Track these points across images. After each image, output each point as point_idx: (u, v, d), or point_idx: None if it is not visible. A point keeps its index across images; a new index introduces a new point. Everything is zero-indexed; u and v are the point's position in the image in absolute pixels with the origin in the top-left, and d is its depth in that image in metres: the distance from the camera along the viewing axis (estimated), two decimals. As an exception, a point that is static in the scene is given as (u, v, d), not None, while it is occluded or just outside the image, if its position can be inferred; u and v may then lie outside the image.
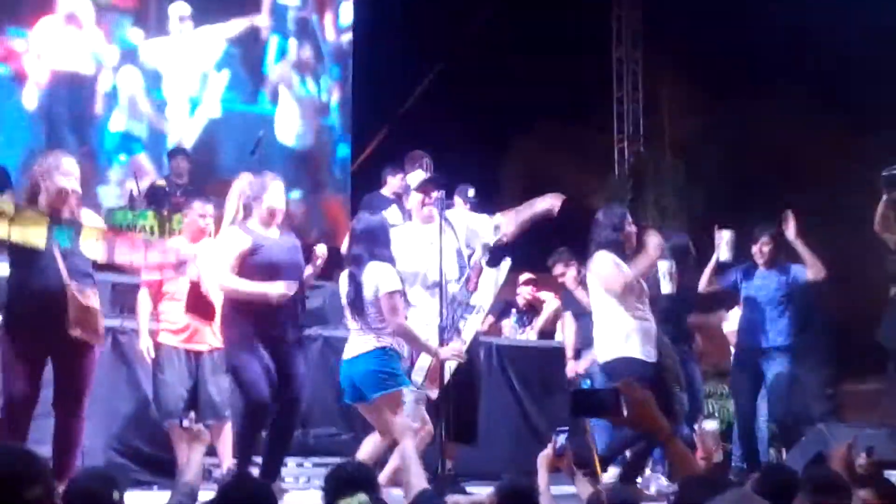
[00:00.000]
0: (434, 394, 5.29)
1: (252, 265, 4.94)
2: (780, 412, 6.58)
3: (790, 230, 6.42)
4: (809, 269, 6.45)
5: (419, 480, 4.14)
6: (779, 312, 6.59)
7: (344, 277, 5.26)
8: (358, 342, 5.13)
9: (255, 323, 4.90)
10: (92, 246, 4.66)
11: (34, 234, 4.51)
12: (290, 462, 5.77)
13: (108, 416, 5.84)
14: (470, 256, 5.65)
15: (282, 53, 10.22)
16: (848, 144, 8.33)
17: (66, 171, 4.72)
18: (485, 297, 5.55)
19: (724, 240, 6.54)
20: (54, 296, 4.55)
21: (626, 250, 5.65)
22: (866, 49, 8.65)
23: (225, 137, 9.66)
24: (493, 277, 5.65)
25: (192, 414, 5.13)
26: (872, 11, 8.39)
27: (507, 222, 5.70)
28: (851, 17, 8.45)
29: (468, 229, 5.75)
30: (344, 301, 5.28)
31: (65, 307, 4.55)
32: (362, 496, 3.22)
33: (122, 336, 6.09)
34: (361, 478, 3.75)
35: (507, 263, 5.80)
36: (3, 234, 4.52)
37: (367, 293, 5.10)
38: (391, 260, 5.20)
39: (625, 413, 2.65)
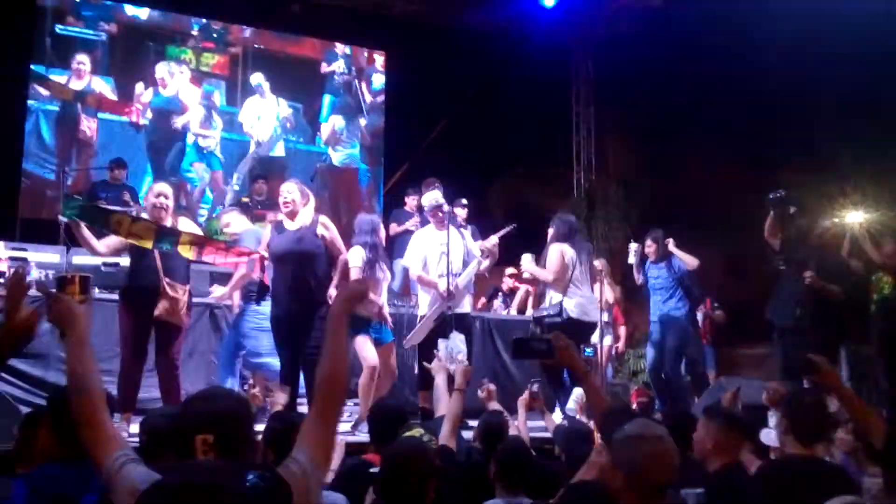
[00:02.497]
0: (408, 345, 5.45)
1: None
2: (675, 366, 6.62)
3: (670, 245, 6.59)
4: (686, 263, 6.53)
5: (444, 409, 3.93)
6: (670, 294, 6.59)
7: (358, 252, 5.39)
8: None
9: None
10: (187, 249, 4.65)
11: (144, 240, 4.54)
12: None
13: (206, 367, 5.89)
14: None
15: (332, 108, 10.24)
16: (746, 175, 8.30)
17: (157, 193, 4.75)
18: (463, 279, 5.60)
19: (632, 250, 6.74)
20: (154, 288, 4.59)
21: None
22: (766, 100, 8.61)
23: (292, 167, 9.67)
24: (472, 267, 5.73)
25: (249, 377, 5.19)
26: (773, 73, 8.40)
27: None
28: (752, 74, 8.43)
29: (470, 242, 5.81)
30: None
31: (157, 297, 4.59)
32: (417, 429, 3.19)
33: (217, 310, 6.13)
34: (396, 409, 3.68)
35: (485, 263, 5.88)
36: (123, 238, 4.55)
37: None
38: (365, 245, 5.28)
39: (553, 356, 2.73)
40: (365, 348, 5.18)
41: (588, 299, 5.88)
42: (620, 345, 8.29)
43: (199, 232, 5.05)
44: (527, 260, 5.75)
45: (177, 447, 1.64)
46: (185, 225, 4.86)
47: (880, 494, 2.11)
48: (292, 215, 5.04)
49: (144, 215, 4.82)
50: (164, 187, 4.82)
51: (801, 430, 2.83)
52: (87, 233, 4.60)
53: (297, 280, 4.85)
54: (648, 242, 6.68)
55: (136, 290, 4.66)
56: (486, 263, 5.85)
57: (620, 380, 8.25)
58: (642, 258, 6.73)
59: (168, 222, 4.72)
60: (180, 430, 1.64)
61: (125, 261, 4.98)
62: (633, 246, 6.77)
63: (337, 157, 10.16)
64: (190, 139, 9.35)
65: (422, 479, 2.42)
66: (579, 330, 5.58)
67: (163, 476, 1.40)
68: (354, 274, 5.13)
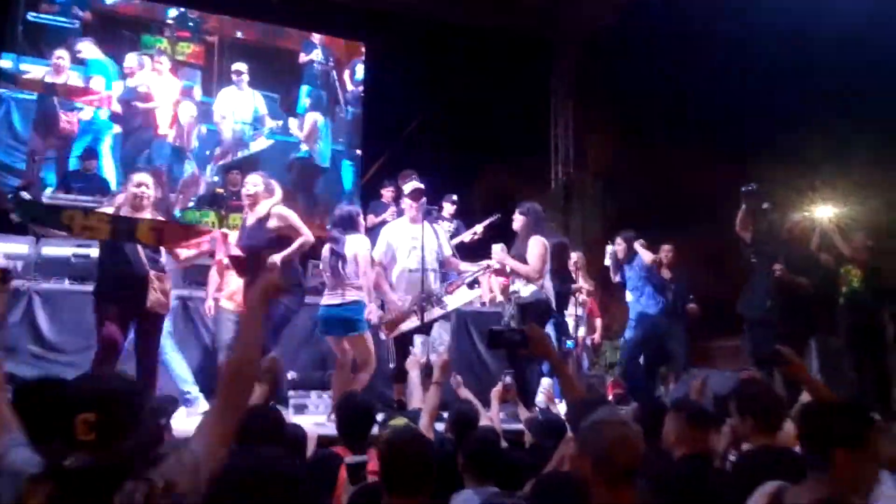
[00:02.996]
0: (383, 336, 5.38)
1: None
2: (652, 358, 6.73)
3: (636, 244, 6.74)
4: (643, 258, 6.69)
5: (418, 403, 4.07)
6: (640, 292, 6.71)
7: (326, 250, 5.34)
8: (335, 295, 5.21)
9: None
10: (146, 236, 4.55)
11: (98, 232, 4.45)
12: (313, 395, 5.75)
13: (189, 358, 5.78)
14: (447, 260, 5.69)
15: (309, 98, 10.18)
16: (723, 169, 8.34)
17: (137, 183, 4.69)
18: (455, 302, 5.56)
19: (607, 252, 6.88)
20: (140, 280, 4.54)
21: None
22: (741, 94, 8.67)
23: (268, 157, 9.61)
24: (468, 296, 5.69)
25: None
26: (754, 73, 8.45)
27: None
28: (730, 68, 8.46)
29: (443, 239, 5.78)
30: (324, 266, 5.37)
31: (146, 288, 4.55)
32: (402, 419, 3.19)
33: (190, 302, 6.08)
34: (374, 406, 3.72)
35: (477, 292, 5.85)
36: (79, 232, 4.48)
37: (349, 256, 5.18)
38: (333, 238, 5.30)
39: (527, 346, 2.75)
40: (371, 344, 5.26)
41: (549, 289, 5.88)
42: (596, 336, 8.34)
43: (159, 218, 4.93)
44: (498, 250, 5.69)
45: (59, 427, 1.61)
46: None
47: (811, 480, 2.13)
48: (252, 207, 5.04)
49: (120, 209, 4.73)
50: (144, 177, 4.76)
51: (762, 420, 2.86)
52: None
53: (253, 273, 4.85)
54: (618, 241, 6.76)
55: (118, 282, 4.56)
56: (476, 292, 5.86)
57: (596, 371, 8.30)
58: (617, 259, 6.79)
59: (148, 212, 4.66)
60: (63, 410, 1.61)
61: (95, 251, 4.92)
62: (609, 248, 6.83)
63: (315, 149, 10.10)
64: (170, 138, 9.23)
65: (425, 466, 2.44)
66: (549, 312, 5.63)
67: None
68: (322, 266, 5.17)
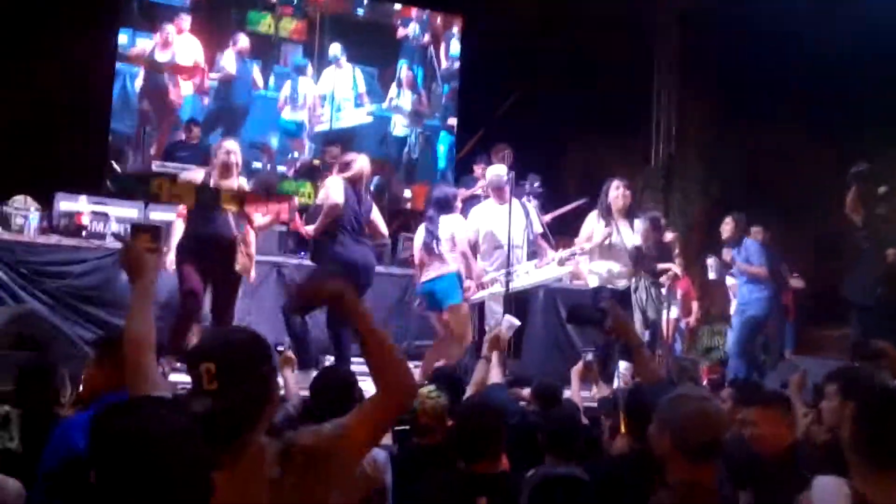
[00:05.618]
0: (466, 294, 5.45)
1: None
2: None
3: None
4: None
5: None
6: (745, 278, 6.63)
7: (421, 229, 5.41)
8: (432, 269, 5.27)
9: None
10: (230, 203, 4.69)
11: (185, 199, 4.56)
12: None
13: (275, 324, 6.00)
14: (536, 237, 5.66)
15: (407, 73, 10.23)
16: (835, 149, 7.88)
17: (227, 150, 4.85)
18: (540, 276, 5.55)
19: (710, 266, 7.12)
20: (229, 242, 4.72)
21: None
22: (858, 70, 8.09)
23: (365, 131, 9.73)
24: (556, 272, 5.67)
25: (287, 339, 5.19)
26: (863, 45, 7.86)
27: None
28: (844, 42, 7.90)
29: (534, 216, 5.76)
30: (419, 244, 5.43)
31: (235, 250, 4.72)
32: (428, 387, 3.22)
33: (284, 269, 6.26)
34: (447, 374, 3.77)
35: (568, 268, 5.81)
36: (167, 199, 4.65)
37: (444, 236, 5.22)
38: (428, 219, 5.34)
39: (607, 325, 2.71)
40: (467, 317, 5.32)
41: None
42: (692, 319, 8.09)
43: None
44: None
45: (191, 376, 1.67)
46: (233, 185, 4.93)
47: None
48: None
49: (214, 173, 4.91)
50: (232, 144, 4.95)
51: None
52: None
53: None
54: (728, 220, 6.58)
55: (204, 243, 4.74)
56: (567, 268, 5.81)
57: (692, 355, 8.05)
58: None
59: (235, 178, 4.82)
60: (189, 360, 1.67)
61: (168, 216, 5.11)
62: (711, 261, 6.67)
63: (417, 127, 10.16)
64: (289, 105, 9.50)
65: (495, 432, 2.58)
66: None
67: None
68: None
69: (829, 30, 7.81)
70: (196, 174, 4.99)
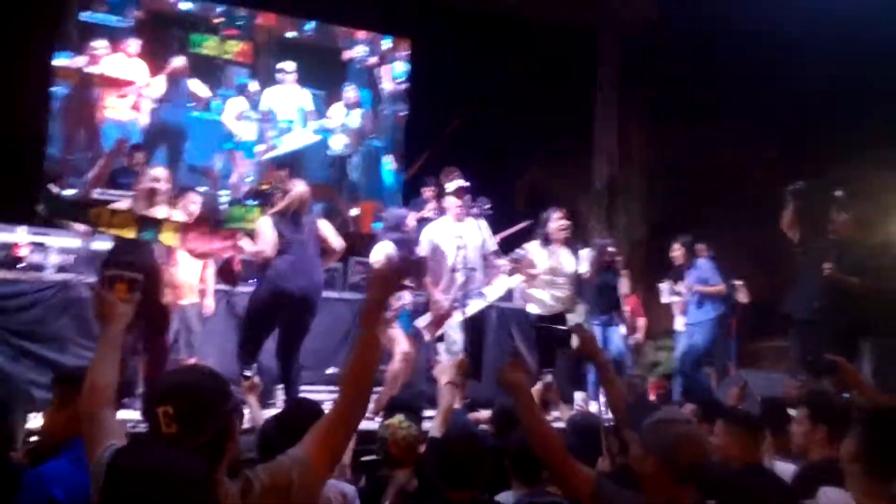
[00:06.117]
0: (427, 337, 5.38)
1: None
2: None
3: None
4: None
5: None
6: (700, 296, 6.86)
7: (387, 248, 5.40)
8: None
9: None
10: (170, 237, 4.61)
11: (126, 230, 4.51)
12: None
13: (226, 354, 5.87)
14: (490, 256, 5.69)
15: (352, 95, 10.21)
16: (776, 167, 8.16)
17: (153, 178, 4.77)
18: (494, 292, 5.57)
19: (662, 290, 7.17)
20: (152, 269, 4.60)
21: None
22: (800, 89, 8.35)
23: (311, 154, 9.67)
24: (508, 284, 5.70)
25: (255, 365, 5.11)
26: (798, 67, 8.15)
27: None
28: (787, 61, 8.17)
29: (487, 235, 5.79)
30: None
31: (159, 279, 4.65)
32: (401, 416, 3.20)
33: (234, 297, 6.15)
34: (407, 403, 3.75)
35: (517, 279, 5.85)
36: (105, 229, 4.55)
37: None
38: (393, 240, 5.32)
39: (574, 346, 2.76)
40: (399, 335, 5.25)
41: None
42: (639, 336, 8.24)
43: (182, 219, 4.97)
44: None
45: (146, 419, 1.64)
46: (176, 216, 4.85)
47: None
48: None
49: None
50: (159, 171, 4.87)
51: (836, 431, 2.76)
52: None
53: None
54: (676, 246, 6.77)
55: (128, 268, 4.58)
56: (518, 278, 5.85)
57: (638, 371, 8.20)
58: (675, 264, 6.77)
59: (160, 206, 4.72)
60: (146, 403, 1.64)
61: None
62: (663, 286, 6.95)
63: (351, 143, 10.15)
64: (229, 128, 9.39)
65: (478, 462, 2.58)
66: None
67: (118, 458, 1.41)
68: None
69: (768, 50, 8.10)
70: (121, 203, 4.85)
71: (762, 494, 2.61)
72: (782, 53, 8.18)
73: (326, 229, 5.28)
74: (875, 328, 5.93)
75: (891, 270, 5.84)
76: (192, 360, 5.19)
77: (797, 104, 8.38)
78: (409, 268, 2.01)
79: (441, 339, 5.41)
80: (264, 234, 4.97)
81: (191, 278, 5.49)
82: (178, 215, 4.96)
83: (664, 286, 7.13)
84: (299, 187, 5.19)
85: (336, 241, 5.30)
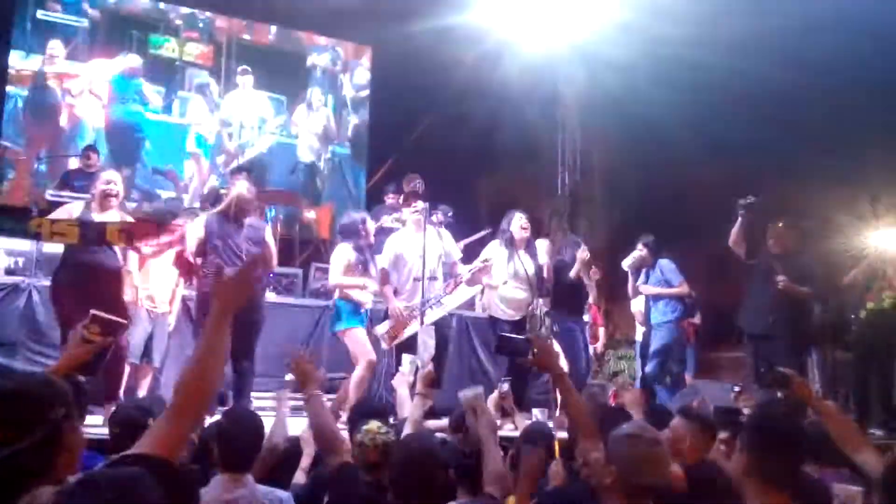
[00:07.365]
0: (385, 346, 5.35)
1: None
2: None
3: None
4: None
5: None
6: (660, 298, 6.79)
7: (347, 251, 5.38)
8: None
9: None
10: (116, 238, 4.48)
11: (68, 237, 4.40)
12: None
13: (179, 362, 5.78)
14: (453, 265, 5.67)
15: (314, 101, 10.17)
16: (731, 179, 8.26)
17: (107, 181, 4.67)
18: (454, 301, 5.55)
19: (631, 256, 6.86)
20: (112, 271, 4.55)
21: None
22: (755, 101, 8.51)
23: (274, 160, 9.61)
24: (467, 293, 5.68)
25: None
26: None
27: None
28: (741, 75, 8.31)
29: (449, 244, 5.76)
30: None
31: (119, 280, 4.58)
32: (375, 422, 3.16)
33: (190, 301, 6.03)
34: (377, 409, 3.70)
35: (478, 288, 5.84)
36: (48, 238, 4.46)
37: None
38: (352, 245, 5.29)
39: (531, 356, 2.76)
40: (362, 341, 5.19)
41: None
42: (599, 345, 8.30)
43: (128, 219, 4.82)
44: None
45: None
46: (115, 216, 4.71)
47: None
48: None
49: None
50: (112, 174, 4.76)
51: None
52: None
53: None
54: (640, 247, 6.69)
55: (85, 270, 4.47)
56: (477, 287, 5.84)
57: (599, 380, 8.25)
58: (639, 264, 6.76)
59: (115, 210, 4.63)
60: None
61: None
62: (636, 251, 6.80)
63: (314, 148, 10.10)
64: (196, 129, 9.26)
65: (434, 473, 2.52)
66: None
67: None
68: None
69: (727, 57, 8.22)
70: (74, 206, 4.73)
71: (709, 487, 2.66)
72: (738, 67, 8.32)
73: (269, 238, 5.19)
74: (824, 340, 6.05)
75: (833, 277, 5.99)
76: (151, 368, 5.09)
77: (753, 114, 8.57)
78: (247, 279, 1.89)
79: (401, 347, 5.38)
80: (190, 232, 4.90)
81: (165, 289, 5.35)
82: (127, 217, 4.85)
83: (627, 263, 6.94)
84: (240, 188, 5.08)
85: (272, 250, 5.19)
